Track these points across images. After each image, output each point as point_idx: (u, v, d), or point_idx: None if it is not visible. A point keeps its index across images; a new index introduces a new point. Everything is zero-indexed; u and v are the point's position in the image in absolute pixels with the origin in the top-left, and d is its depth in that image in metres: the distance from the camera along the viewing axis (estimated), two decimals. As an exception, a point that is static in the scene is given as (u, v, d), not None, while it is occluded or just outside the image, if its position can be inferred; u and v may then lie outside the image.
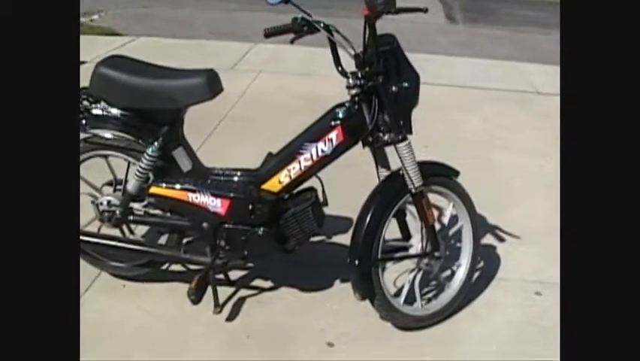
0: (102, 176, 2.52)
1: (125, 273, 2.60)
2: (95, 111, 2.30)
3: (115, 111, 2.27)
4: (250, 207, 2.27)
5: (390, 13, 2.05)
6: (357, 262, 2.21)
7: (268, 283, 2.66)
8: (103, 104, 2.29)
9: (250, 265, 2.70)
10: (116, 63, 2.26)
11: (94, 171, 2.52)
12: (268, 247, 2.33)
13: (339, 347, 2.31)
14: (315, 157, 2.20)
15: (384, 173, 2.31)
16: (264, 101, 4.81)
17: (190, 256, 2.40)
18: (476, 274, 2.63)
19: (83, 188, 2.48)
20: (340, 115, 2.18)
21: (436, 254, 2.33)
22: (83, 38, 6.45)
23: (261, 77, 5.38)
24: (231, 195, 2.29)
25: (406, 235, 2.38)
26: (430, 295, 2.53)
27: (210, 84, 2.18)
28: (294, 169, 2.23)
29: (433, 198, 2.34)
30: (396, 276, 2.64)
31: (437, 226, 2.39)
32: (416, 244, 2.34)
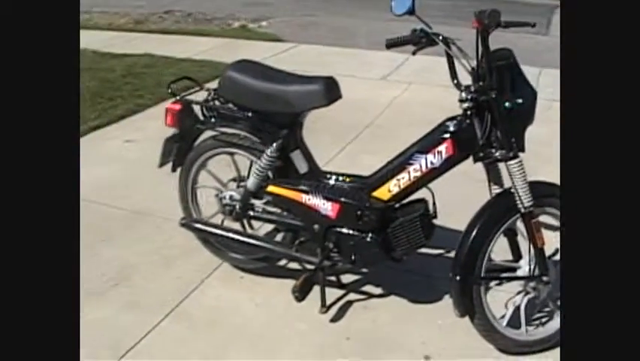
0: (229, 172, 2.69)
1: (243, 265, 2.76)
2: (224, 111, 2.48)
3: (241, 112, 2.43)
4: (359, 212, 2.32)
5: (499, 27, 2.00)
6: (458, 277, 2.17)
7: (378, 290, 2.69)
8: (231, 105, 2.46)
9: (361, 270, 2.75)
10: (244, 67, 2.42)
11: (223, 166, 2.70)
12: (376, 254, 2.36)
13: (436, 361, 2.29)
14: (424, 168, 2.21)
15: (496, 190, 2.25)
16: (410, 112, 4.82)
17: (301, 255, 2.50)
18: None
19: (211, 182, 2.69)
20: (451, 128, 2.16)
21: (545, 279, 2.23)
22: (247, 43, 6.93)
23: (411, 88, 5.40)
24: (342, 199, 2.35)
25: (517, 256, 2.30)
26: (538, 321, 2.41)
27: (327, 91, 2.26)
28: (403, 179, 2.25)
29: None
30: (508, 297, 2.54)
31: (551, 250, 2.28)
32: (524, 266, 2.25)
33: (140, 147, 4.12)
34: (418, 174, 2.22)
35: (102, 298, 2.64)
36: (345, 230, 2.37)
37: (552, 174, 3.54)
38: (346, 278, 2.74)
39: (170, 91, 2.56)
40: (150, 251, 2.98)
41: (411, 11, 2.20)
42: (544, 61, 6.40)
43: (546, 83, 5.59)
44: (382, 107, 4.95)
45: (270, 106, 2.34)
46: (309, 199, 2.40)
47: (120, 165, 3.87)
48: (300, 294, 2.38)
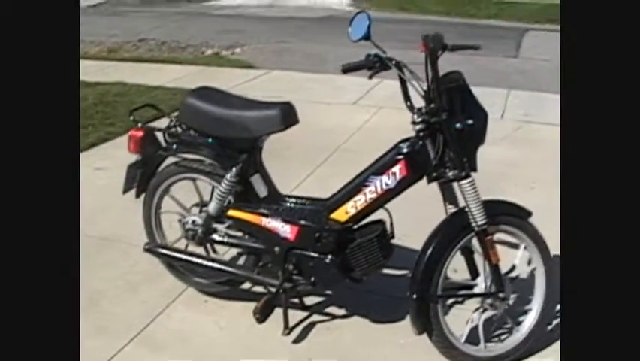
0: (192, 197, 2.73)
1: (207, 289, 2.79)
2: (185, 137, 2.52)
3: (201, 138, 2.47)
4: (317, 234, 2.37)
5: (446, 50, 2.08)
6: (414, 296, 2.22)
7: (341, 311, 2.72)
8: (192, 131, 2.50)
9: (324, 292, 2.78)
10: (203, 94, 2.48)
11: (187, 192, 2.73)
12: (336, 275, 2.40)
13: (396, 380, 2.32)
14: (379, 190, 2.26)
15: (451, 209, 2.31)
16: (379, 135, 4.87)
17: (262, 277, 2.53)
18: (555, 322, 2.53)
19: (174, 207, 2.72)
20: (404, 150, 2.22)
21: (501, 295, 2.28)
22: (220, 70, 6.99)
23: (381, 112, 5.49)
24: (300, 222, 2.39)
25: (474, 273, 2.35)
26: (497, 337, 2.46)
27: (283, 116, 2.32)
28: (359, 200, 2.30)
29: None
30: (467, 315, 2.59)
31: (508, 267, 2.34)
32: (480, 284, 2.30)
33: (110, 175, 4.13)
34: (374, 195, 2.27)
35: (66, 325, 2.64)
36: (304, 252, 2.41)
37: (519, 195, 3.63)
38: (309, 300, 2.77)
39: (132, 118, 2.60)
40: (116, 277, 2.99)
41: (366, 37, 2.27)
42: (513, 82, 6.54)
43: (515, 103, 5.71)
44: (352, 131, 5.02)
45: (228, 131, 2.39)
46: (268, 222, 2.44)
47: (89, 193, 3.86)
48: (261, 316, 2.40)
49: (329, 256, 2.37)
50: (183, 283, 2.83)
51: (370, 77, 2.30)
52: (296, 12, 11.98)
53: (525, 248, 2.36)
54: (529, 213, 2.32)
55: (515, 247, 2.39)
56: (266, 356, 2.45)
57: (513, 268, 2.38)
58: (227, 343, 2.53)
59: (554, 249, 2.48)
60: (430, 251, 2.22)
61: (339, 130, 5.04)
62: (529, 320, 2.40)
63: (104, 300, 2.81)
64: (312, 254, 2.40)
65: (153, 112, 2.73)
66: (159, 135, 2.63)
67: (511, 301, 2.38)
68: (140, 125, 2.59)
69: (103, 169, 4.23)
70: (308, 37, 9.17)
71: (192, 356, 2.45)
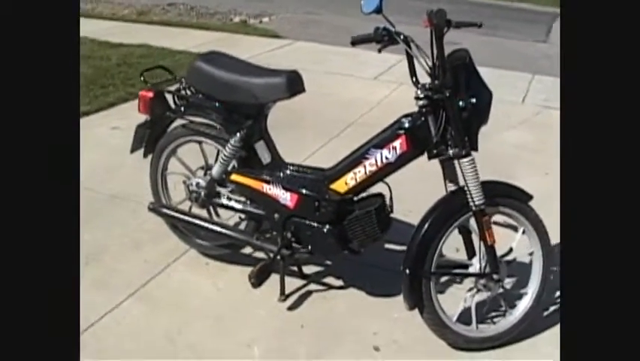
0: (198, 160, 2.76)
1: (208, 251, 2.83)
2: (193, 100, 2.55)
3: (208, 102, 2.49)
4: (316, 203, 2.38)
5: (450, 27, 2.07)
6: (407, 271, 2.23)
7: (338, 282, 2.75)
8: (201, 95, 2.53)
9: (324, 262, 2.81)
10: (212, 58, 2.49)
11: (193, 155, 2.76)
12: (333, 245, 2.42)
13: (384, 352, 2.35)
14: (379, 163, 2.26)
15: (451, 187, 2.30)
16: (397, 111, 4.85)
17: (261, 243, 2.56)
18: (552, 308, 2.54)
19: (179, 169, 2.76)
20: (406, 125, 2.22)
21: (495, 277, 2.28)
22: (245, 38, 6.99)
23: (401, 88, 5.46)
24: (300, 190, 2.41)
25: (471, 253, 2.35)
26: (489, 318, 2.47)
27: (289, 84, 2.32)
28: (359, 173, 2.31)
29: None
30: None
31: (505, 250, 2.34)
32: (475, 264, 2.30)
33: (126, 135, 4.12)
34: (374, 168, 2.28)
35: (70, 277, 2.72)
36: (303, 220, 2.43)
37: (533, 180, 3.62)
38: (308, 269, 2.80)
39: (142, 79, 2.62)
40: (122, 234, 3.05)
41: (378, 10, 2.25)
42: (539, 67, 6.45)
43: (538, 88, 5.64)
44: (371, 106, 5.01)
45: (234, 96, 2.40)
46: (269, 189, 2.46)
47: (104, 151, 3.94)
48: (256, 280, 2.44)
49: (327, 226, 2.39)
50: (186, 244, 2.88)
51: (379, 51, 2.29)
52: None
53: (523, 232, 2.36)
54: (529, 197, 2.31)
55: (515, 229, 2.39)
56: (259, 319, 2.49)
57: (510, 250, 2.38)
58: (223, 304, 2.57)
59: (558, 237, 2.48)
60: (425, 227, 2.22)
61: (357, 104, 5.03)
62: (523, 304, 2.40)
63: (107, 256, 2.87)
64: (311, 223, 2.42)
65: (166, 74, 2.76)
66: (169, 97, 2.66)
67: (506, 284, 2.38)
68: (149, 85, 2.61)
69: (119, 128, 4.29)
70: (337, 9, 9.10)
71: (187, 315, 2.50)
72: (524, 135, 4.49)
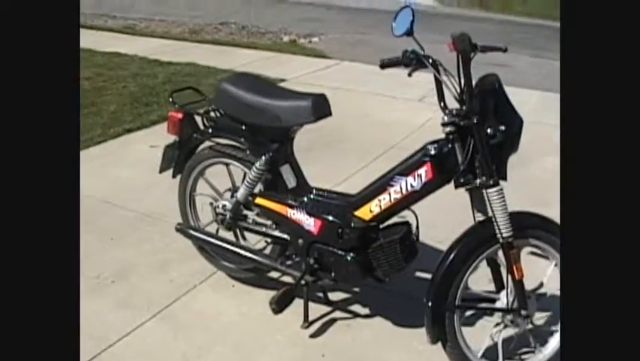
0: (227, 182, 2.74)
1: (235, 274, 2.81)
2: (220, 122, 2.54)
3: (235, 124, 2.48)
4: (340, 230, 2.33)
5: (476, 51, 2.00)
6: (430, 303, 2.15)
7: (364, 310, 2.68)
8: (227, 117, 2.52)
9: (351, 288, 2.75)
10: (239, 80, 2.48)
11: (222, 176, 2.75)
12: (356, 273, 2.36)
13: (406, 386, 2.27)
14: (404, 191, 2.20)
15: (479, 217, 2.21)
16: (439, 135, 4.79)
17: (285, 268, 2.52)
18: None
19: (207, 191, 2.75)
20: (431, 152, 2.15)
21: (523, 313, 2.17)
22: (292, 58, 7.01)
23: (445, 111, 5.36)
24: (324, 216, 2.36)
25: (499, 286, 2.25)
26: (518, 356, 2.35)
27: (315, 108, 2.29)
28: (384, 200, 2.24)
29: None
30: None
31: (536, 284, 2.24)
32: (503, 298, 2.20)
33: (163, 153, 4.23)
34: (399, 196, 2.21)
35: (98, 294, 2.74)
36: (326, 247, 2.38)
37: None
38: (334, 296, 2.74)
39: (171, 100, 2.63)
40: (150, 253, 3.06)
41: (409, 32, 2.20)
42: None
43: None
44: (413, 129, 4.93)
45: (259, 119, 2.38)
46: (293, 214, 2.42)
47: (141, 169, 3.99)
48: (277, 306, 2.39)
49: (350, 254, 2.34)
50: (213, 266, 2.86)
51: (409, 75, 2.23)
52: (379, 4, 11.86)
53: (555, 265, 2.24)
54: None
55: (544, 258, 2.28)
56: (280, 345, 2.45)
57: (541, 285, 2.27)
58: (244, 329, 2.54)
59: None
60: (450, 258, 2.14)
61: (399, 126, 4.96)
62: (554, 342, 2.28)
63: (134, 275, 2.88)
64: (334, 250, 2.37)
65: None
66: (198, 119, 2.66)
67: (536, 320, 2.27)
68: (177, 106, 2.63)
69: (158, 147, 4.32)
70: (387, 30, 9.01)
71: (207, 338, 2.48)
72: (554, 160, 4.33)
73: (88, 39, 7.32)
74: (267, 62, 6.64)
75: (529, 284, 2.19)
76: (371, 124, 4.99)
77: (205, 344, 2.45)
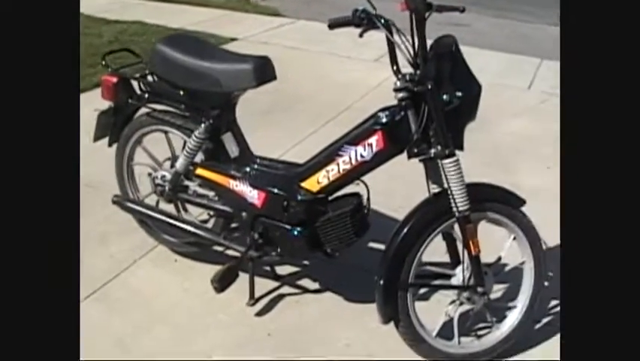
0: (166, 151, 2.55)
1: (177, 248, 2.64)
2: (156, 87, 2.34)
3: (172, 90, 2.28)
4: (285, 203, 2.17)
5: (431, 10, 1.84)
6: (381, 281, 2.02)
7: (314, 285, 2.55)
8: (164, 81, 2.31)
9: (302, 262, 2.62)
10: (175, 42, 2.28)
11: (162, 144, 2.55)
12: (303, 248, 2.21)
13: (355, 367, 2.15)
14: (353, 161, 2.04)
15: (435, 189, 2.08)
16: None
17: (228, 242, 2.36)
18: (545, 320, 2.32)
19: (146, 160, 2.55)
20: (383, 120, 1.99)
21: (480, 289, 2.07)
22: (245, 16, 6.73)
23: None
24: (268, 188, 2.20)
25: (455, 262, 2.13)
26: (474, 333, 2.25)
27: (257, 72, 2.10)
28: (332, 171, 2.09)
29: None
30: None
31: (494, 258, 2.13)
32: (459, 275, 2.08)
33: (108, 117, 3.99)
34: (348, 166, 2.06)
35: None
36: (271, 221, 2.22)
37: (533, 174, 3.39)
38: (282, 270, 2.60)
39: (104, 63, 2.42)
40: (90, 226, 2.86)
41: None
42: (549, 52, 6.14)
43: (546, 75, 5.36)
44: (368, 89, 4.77)
45: (198, 84, 2.18)
46: (236, 185, 2.26)
47: (83, 135, 3.73)
48: (219, 285, 2.24)
49: (297, 228, 2.18)
50: (154, 240, 2.68)
51: (360, 35, 2.06)
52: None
53: (514, 239, 2.14)
54: (522, 201, 2.08)
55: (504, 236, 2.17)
56: (224, 325, 2.31)
57: (499, 259, 2.16)
58: (186, 307, 2.39)
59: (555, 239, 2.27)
60: (403, 234, 2.01)
61: (355, 87, 4.80)
62: (511, 318, 2.19)
63: (70, 250, 2.69)
64: (279, 224, 2.21)
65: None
66: (135, 83, 2.45)
67: (493, 296, 2.17)
68: (110, 70, 2.41)
69: (101, 111, 4.09)
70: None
71: (146, 319, 2.32)
72: (528, 125, 4.24)
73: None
74: (219, 21, 6.36)
75: (486, 259, 2.08)
76: (327, 85, 4.82)
77: (143, 323, 2.29)
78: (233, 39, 5.78)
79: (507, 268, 2.22)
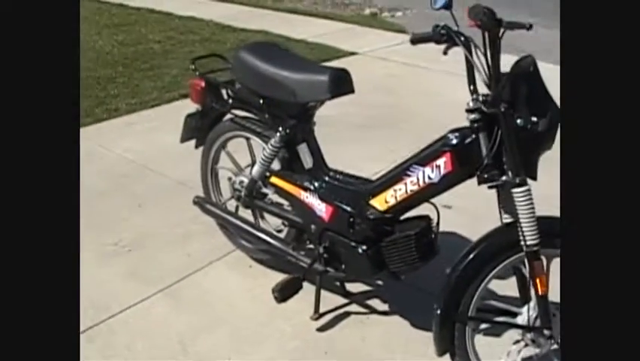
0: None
1: (253, 254, 2.66)
2: (240, 93, 2.37)
3: (254, 97, 2.31)
4: (351, 220, 2.13)
5: (502, 27, 1.73)
6: (439, 311, 1.92)
7: (383, 307, 2.47)
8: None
9: (375, 281, 2.55)
10: (258, 49, 2.30)
11: (247, 151, 2.59)
12: (366, 268, 2.16)
13: (407, 399, 2.05)
14: (421, 182, 1.96)
15: (507, 219, 1.94)
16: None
17: (296, 253, 2.35)
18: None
19: (228, 164, 2.61)
20: (452, 141, 1.90)
21: (546, 332, 1.90)
22: (368, 31, 6.73)
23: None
24: (336, 202, 2.17)
25: (524, 300, 1.98)
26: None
27: (332, 84, 2.07)
28: (400, 190, 2.02)
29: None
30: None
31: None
32: (524, 314, 1.93)
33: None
34: (415, 187, 1.98)
35: (111, 262, 2.68)
36: (337, 236, 2.18)
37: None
38: (354, 287, 2.54)
39: (192, 67, 2.49)
40: (175, 223, 2.97)
41: (447, 6, 1.98)
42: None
43: None
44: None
45: (275, 93, 2.20)
46: (307, 197, 2.24)
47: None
48: (280, 295, 2.23)
49: (362, 246, 2.13)
50: (232, 243, 2.73)
51: (445, 52, 1.99)
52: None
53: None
54: (603, 241, 1.90)
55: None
56: (282, 336, 2.29)
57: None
58: (250, 313, 2.40)
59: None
60: (466, 263, 1.89)
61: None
62: (582, 367, 1.99)
63: (152, 245, 2.81)
64: (345, 240, 2.17)
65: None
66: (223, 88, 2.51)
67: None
68: (198, 74, 2.48)
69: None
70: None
71: (209, 320, 2.36)
72: None
73: (168, 3, 7.34)
74: (342, 34, 6.40)
75: (558, 299, 1.91)
76: (436, 104, 4.69)
77: (205, 325, 2.33)
78: (352, 53, 5.80)
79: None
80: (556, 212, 1.92)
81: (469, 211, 2.86)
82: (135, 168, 3.52)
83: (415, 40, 2.00)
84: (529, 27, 1.82)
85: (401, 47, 6.21)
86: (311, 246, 2.36)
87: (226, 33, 6.15)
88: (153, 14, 6.91)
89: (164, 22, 6.50)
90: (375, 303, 2.48)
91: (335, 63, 5.27)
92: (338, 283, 2.51)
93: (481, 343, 2.05)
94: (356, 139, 3.91)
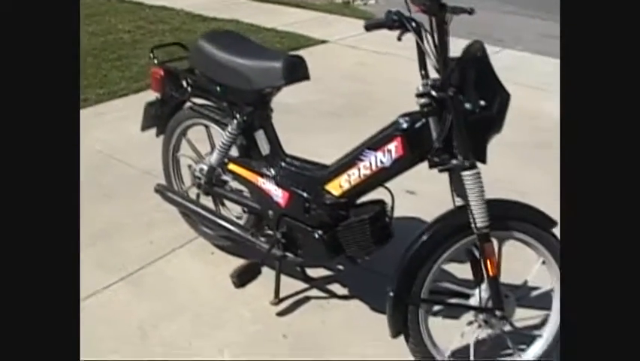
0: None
1: (214, 241, 2.68)
2: (198, 82, 2.38)
3: (211, 85, 2.32)
4: (307, 205, 2.15)
5: (446, 12, 1.76)
6: (391, 293, 1.95)
7: (343, 291, 2.50)
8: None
9: (336, 266, 2.58)
10: (216, 38, 2.31)
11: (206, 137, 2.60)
12: (323, 253, 2.18)
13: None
14: (373, 167, 1.99)
15: (459, 202, 1.98)
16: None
17: (255, 239, 2.36)
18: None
19: (189, 152, 2.61)
20: (402, 125, 1.92)
21: (498, 313, 1.94)
22: (339, 19, 6.73)
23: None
24: (292, 188, 2.19)
25: (477, 281, 2.02)
26: (490, 358, 2.12)
27: (287, 70, 2.09)
28: (353, 175, 2.04)
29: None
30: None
31: (520, 282, 2.00)
32: (477, 295, 1.97)
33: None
34: (368, 172, 2.00)
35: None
36: (294, 221, 2.21)
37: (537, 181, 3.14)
38: (314, 272, 2.57)
39: (152, 56, 2.50)
40: (140, 212, 2.97)
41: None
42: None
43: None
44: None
45: (231, 80, 2.21)
46: (264, 183, 2.26)
47: (155, 125, 3.90)
48: (238, 280, 2.24)
49: (318, 231, 2.15)
50: (194, 231, 2.74)
51: (399, 39, 2.00)
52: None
53: (543, 263, 1.99)
54: (552, 223, 1.94)
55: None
56: (242, 321, 2.32)
57: (525, 283, 2.03)
58: (211, 300, 2.42)
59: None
60: (418, 245, 1.92)
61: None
62: (535, 348, 2.05)
63: (117, 234, 2.82)
64: (301, 225, 2.19)
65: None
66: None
67: (517, 323, 2.03)
68: (157, 63, 2.49)
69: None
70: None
71: (171, 307, 2.38)
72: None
73: (139, -8, 7.28)
74: (313, 23, 6.41)
75: (512, 281, 1.96)
76: (405, 92, 4.71)
77: (166, 313, 2.34)
78: (323, 41, 5.80)
79: (534, 294, 2.07)
80: (505, 195, 1.99)
81: (431, 197, 2.88)
82: (102, 158, 3.51)
83: (369, 27, 2.01)
84: (471, 11, 1.85)
85: (372, 34, 6.22)
86: (270, 232, 2.38)
87: (196, 22, 6.13)
88: (124, 4, 6.85)
89: (134, 12, 6.45)
90: (336, 287, 2.51)
91: (305, 52, 5.28)
92: (298, 269, 2.53)
93: (437, 325, 2.09)
94: (324, 127, 3.92)
